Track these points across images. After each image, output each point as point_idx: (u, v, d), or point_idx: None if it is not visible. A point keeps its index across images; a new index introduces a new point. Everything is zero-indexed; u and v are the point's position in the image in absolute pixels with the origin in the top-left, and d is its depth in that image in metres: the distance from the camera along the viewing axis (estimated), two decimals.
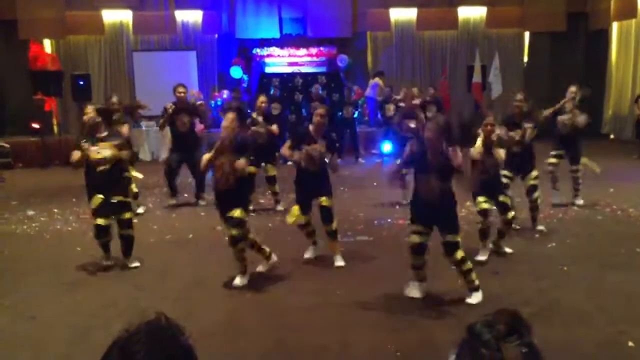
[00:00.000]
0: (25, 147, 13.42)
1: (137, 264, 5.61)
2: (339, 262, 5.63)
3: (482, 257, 5.61)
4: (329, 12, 15.98)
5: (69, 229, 7.23)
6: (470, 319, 1.23)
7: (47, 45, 15.63)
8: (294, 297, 4.84)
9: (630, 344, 3.83)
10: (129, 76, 15.80)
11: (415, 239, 4.67)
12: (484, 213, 5.60)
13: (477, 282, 4.64)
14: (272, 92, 13.38)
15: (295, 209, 5.66)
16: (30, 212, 8.01)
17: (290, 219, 5.73)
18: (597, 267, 5.40)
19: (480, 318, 1.20)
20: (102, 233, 5.48)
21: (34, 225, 7.42)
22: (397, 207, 8.02)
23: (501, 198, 5.69)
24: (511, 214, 5.69)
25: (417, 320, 4.33)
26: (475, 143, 5.60)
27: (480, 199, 5.60)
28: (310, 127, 5.66)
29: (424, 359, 3.71)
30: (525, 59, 16.93)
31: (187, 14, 15.93)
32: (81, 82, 14.29)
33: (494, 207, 5.70)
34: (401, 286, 4.98)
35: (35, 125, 13.49)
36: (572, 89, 7.71)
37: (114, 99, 8.03)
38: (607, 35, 15.84)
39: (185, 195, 9.00)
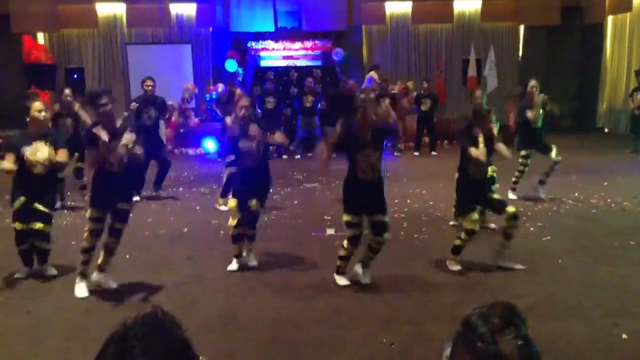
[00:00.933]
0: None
1: (54, 271, 5.21)
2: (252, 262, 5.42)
3: (455, 268, 5.21)
4: (324, 5, 15.93)
5: (65, 222, 7.20)
6: (465, 311, 1.23)
7: (41, 38, 15.56)
8: (290, 292, 4.84)
9: (624, 336, 3.86)
10: (123, 69, 15.75)
11: (356, 231, 4.80)
12: (471, 233, 5.10)
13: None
14: (267, 85, 13.35)
15: (232, 201, 5.29)
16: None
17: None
18: (592, 260, 5.43)
19: (475, 311, 1.20)
20: (20, 239, 5.06)
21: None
22: (396, 201, 8.02)
23: (495, 196, 5.32)
24: (511, 208, 5.07)
25: (411, 312, 4.34)
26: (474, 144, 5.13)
27: (474, 215, 5.07)
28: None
29: (418, 351, 3.73)
30: (520, 52, 16.94)
31: (181, 7, 15.87)
32: (75, 75, 14.24)
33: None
34: (395, 279, 5.00)
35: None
36: (533, 82, 7.86)
37: (67, 91, 7.90)
38: (602, 29, 15.87)
39: (179, 189, 8.98)
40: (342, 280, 4.94)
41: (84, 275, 4.78)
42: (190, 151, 13.77)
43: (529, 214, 7.21)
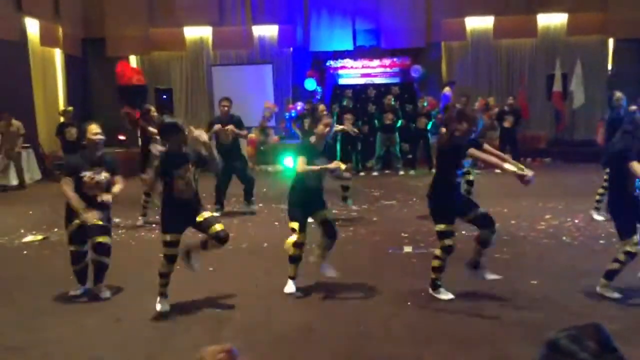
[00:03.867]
0: (113, 157, 14.07)
1: (108, 294, 5.21)
2: (330, 273, 5.25)
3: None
4: (402, 23, 15.96)
5: (152, 235, 7.56)
6: (547, 333, 1.20)
7: (133, 60, 16.52)
8: (366, 307, 4.86)
9: None
10: (208, 90, 16.41)
11: (451, 241, 4.85)
12: (633, 255, 4.73)
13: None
14: (344, 103, 13.49)
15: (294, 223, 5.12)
16: (116, 220, 8.43)
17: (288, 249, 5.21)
18: None
19: (562, 333, 1.16)
20: (75, 259, 5.18)
21: (120, 232, 7.81)
22: None
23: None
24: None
25: (490, 333, 4.24)
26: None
27: (636, 238, 4.69)
28: (312, 139, 5.28)
29: None
30: (610, 66, 16.20)
31: (264, 28, 16.39)
32: (164, 96, 14.98)
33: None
34: (475, 298, 4.90)
35: (122, 137, 14.23)
36: (618, 95, 7.95)
37: (152, 108, 8.61)
38: None
39: (259, 205, 9.21)
40: (445, 295, 4.94)
41: (163, 294, 4.85)
42: (270, 168, 14.09)
43: None
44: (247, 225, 8.15)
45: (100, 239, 5.04)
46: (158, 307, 4.80)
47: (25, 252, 7.07)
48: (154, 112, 8.40)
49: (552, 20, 15.94)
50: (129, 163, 13.59)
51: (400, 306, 4.84)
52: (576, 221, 7.67)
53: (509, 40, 16.16)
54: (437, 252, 4.95)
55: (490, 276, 5.00)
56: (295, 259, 5.19)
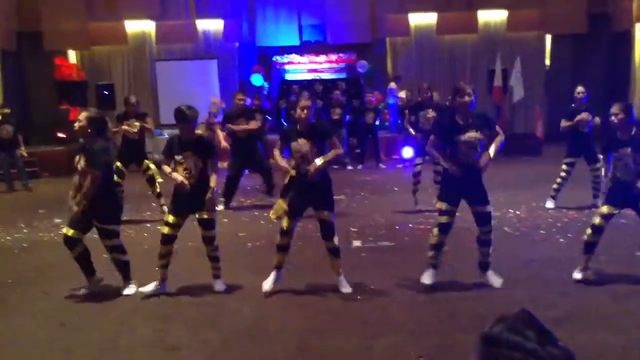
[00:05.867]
0: (51, 156, 13.65)
1: (133, 290, 5.16)
2: (344, 289, 5.02)
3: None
4: (347, 18, 16.05)
5: (96, 236, 7.34)
6: (486, 321, 1.20)
7: (72, 55, 15.97)
8: (318, 302, 4.87)
9: None
10: (152, 85, 16.05)
11: (448, 219, 4.89)
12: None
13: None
14: (291, 98, 13.47)
15: (281, 201, 5.03)
16: (57, 220, 8.17)
17: (273, 214, 5.14)
18: (624, 269, 5.34)
19: (498, 326, 1.15)
20: (69, 245, 5.05)
21: (60, 233, 7.55)
22: (419, 213, 8.01)
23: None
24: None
25: (438, 324, 4.33)
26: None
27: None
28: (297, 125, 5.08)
29: None
30: (547, 62, 16.79)
31: (208, 22, 16.13)
32: (105, 92, 14.57)
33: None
34: (423, 290, 4.99)
35: (61, 135, 13.76)
36: (580, 88, 8.07)
37: (133, 100, 8.55)
38: (630, 37, 15.63)
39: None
40: (427, 279, 4.95)
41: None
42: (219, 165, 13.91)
43: (558, 224, 7.14)
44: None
45: (105, 243, 5.12)
46: (148, 288, 5.03)
47: None
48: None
49: (492, 17, 16.37)
50: (69, 161, 13.20)
51: (350, 300, 4.88)
52: (517, 212, 7.92)
53: (452, 36, 16.50)
54: (434, 229, 5.03)
55: (494, 281, 5.03)
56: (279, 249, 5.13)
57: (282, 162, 5.06)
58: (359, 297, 4.94)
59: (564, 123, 7.80)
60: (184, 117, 5.02)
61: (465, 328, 4.17)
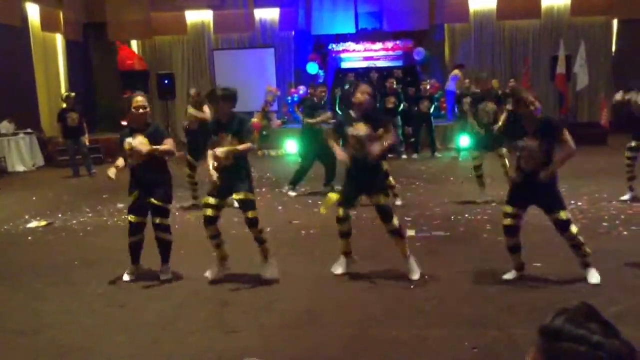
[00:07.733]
0: (115, 143, 14.04)
1: (169, 275, 5.26)
2: (414, 275, 5.02)
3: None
4: (405, 5, 15.82)
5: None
6: (546, 315, 1.18)
7: (134, 45, 16.45)
8: (373, 291, 4.87)
9: None
10: (210, 74, 16.35)
11: (511, 221, 4.78)
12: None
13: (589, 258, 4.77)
14: (346, 87, 13.42)
15: (332, 195, 5.20)
16: (120, 205, 8.46)
17: (323, 209, 5.20)
18: None
19: (559, 319, 1.13)
20: (131, 230, 5.20)
21: (123, 217, 7.82)
22: (475, 203, 7.87)
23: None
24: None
25: (495, 316, 4.25)
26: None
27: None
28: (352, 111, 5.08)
29: (502, 356, 3.65)
30: (614, 47, 16.07)
31: (265, 11, 16.28)
32: (166, 81, 14.93)
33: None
34: (480, 281, 4.91)
35: (124, 123, 14.19)
36: None
37: (192, 91, 8.80)
38: None
39: (262, 189, 9.20)
40: (510, 274, 4.92)
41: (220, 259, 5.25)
42: (272, 152, 14.08)
43: (622, 216, 6.87)
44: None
45: (157, 221, 5.18)
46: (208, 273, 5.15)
47: (29, 237, 7.10)
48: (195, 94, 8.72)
49: (555, 1, 15.79)
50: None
51: (405, 290, 4.85)
52: (579, 204, 7.66)
53: (513, 21, 16.03)
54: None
55: (591, 278, 4.81)
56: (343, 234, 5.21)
57: (340, 151, 5.08)
58: (412, 286, 4.91)
59: (616, 97, 7.49)
60: (220, 97, 5.08)
61: (523, 321, 4.08)
